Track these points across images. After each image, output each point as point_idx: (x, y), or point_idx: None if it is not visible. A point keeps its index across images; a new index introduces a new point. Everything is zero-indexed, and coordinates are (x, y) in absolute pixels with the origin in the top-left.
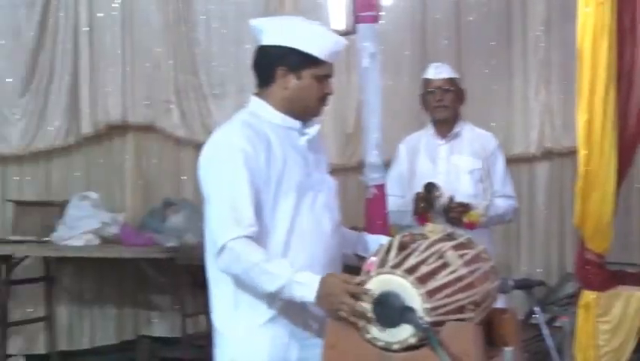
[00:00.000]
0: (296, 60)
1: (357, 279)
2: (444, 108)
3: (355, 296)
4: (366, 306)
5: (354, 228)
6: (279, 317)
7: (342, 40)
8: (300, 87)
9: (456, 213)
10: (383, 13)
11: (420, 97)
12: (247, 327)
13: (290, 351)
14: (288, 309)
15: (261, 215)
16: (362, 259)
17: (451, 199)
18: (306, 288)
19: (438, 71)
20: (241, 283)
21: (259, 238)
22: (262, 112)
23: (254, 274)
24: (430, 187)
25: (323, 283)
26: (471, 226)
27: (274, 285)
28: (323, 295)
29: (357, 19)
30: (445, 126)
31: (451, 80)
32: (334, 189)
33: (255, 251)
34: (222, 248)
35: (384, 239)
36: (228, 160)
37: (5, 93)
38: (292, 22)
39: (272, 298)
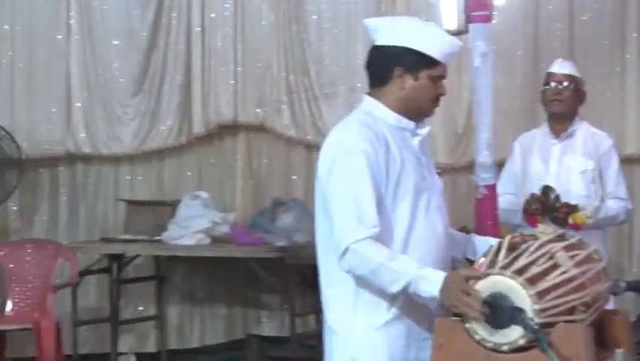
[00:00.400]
0: (413, 61)
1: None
2: (559, 103)
3: (467, 293)
4: (476, 306)
5: (463, 228)
6: (397, 318)
7: (458, 42)
8: (416, 88)
9: (561, 214)
10: (496, 13)
11: (541, 92)
12: (365, 327)
13: (409, 351)
14: (406, 310)
15: (381, 216)
16: (472, 262)
17: (557, 199)
18: (431, 283)
19: (561, 66)
20: (363, 283)
21: (380, 239)
22: (377, 112)
23: (380, 274)
24: (547, 190)
25: (446, 278)
26: (576, 228)
27: (401, 282)
28: (443, 290)
29: (469, 19)
30: (560, 125)
31: (571, 77)
32: (442, 190)
33: (379, 251)
34: (346, 250)
35: (493, 241)
36: (350, 161)
37: (118, 93)
38: (409, 23)
39: (394, 298)
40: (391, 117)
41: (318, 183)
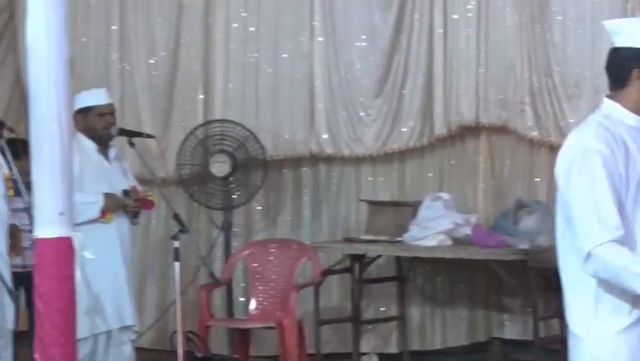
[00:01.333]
0: None
1: None
2: None
3: None
4: None
5: None
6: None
7: None
8: None
9: None
10: None
11: None
12: (608, 332)
13: None
14: None
15: (622, 219)
16: None
17: None
18: None
19: None
20: (604, 287)
21: (623, 242)
22: (615, 114)
23: (622, 278)
24: None
25: None
26: None
27: None
28: None
29: None
30: None
31: None
32: None
33: (620, 255)
34: (589, 255)
35: None
36: (587, 164)
37: (360, 94)
38: None
39: (636, 302)
40: (631, 119)
41: (557, 186)
